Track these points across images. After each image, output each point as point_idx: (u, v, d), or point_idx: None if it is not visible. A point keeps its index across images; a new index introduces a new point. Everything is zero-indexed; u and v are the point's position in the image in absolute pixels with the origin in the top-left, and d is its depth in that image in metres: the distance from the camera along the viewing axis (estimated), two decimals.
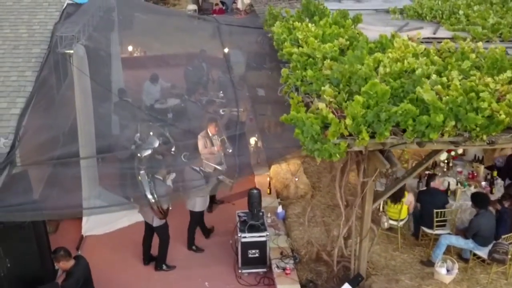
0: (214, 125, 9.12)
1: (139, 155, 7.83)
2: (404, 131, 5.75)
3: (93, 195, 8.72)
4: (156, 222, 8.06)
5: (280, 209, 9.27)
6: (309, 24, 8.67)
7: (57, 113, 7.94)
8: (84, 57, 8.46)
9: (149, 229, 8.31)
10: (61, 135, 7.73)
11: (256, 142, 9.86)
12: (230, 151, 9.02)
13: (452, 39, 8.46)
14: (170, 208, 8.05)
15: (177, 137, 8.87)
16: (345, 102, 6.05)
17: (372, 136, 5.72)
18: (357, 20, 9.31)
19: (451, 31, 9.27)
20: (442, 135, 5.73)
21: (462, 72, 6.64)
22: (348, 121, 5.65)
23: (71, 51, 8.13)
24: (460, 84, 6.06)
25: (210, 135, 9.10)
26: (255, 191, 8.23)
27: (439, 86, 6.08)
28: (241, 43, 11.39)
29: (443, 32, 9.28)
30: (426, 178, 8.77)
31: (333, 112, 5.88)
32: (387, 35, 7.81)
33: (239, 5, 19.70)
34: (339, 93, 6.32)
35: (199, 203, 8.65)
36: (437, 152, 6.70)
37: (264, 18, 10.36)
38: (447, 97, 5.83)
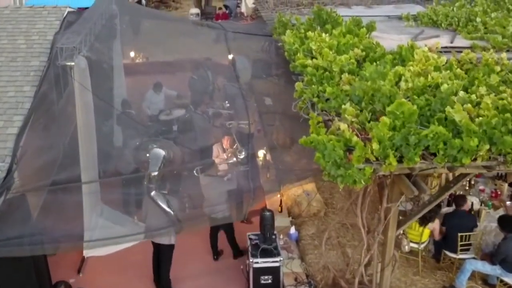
0: (227, 138, 8.88)
1: (149, 172, 7.40)
2: (433, 154, 5.31)
3: (96, 214, 8.29)
4: (174, 239, 7.74)
5: (293, 230, 8.83)
6: (323, 34, 8.23)
7: (57, 131, 7.45)
8: (86, 69, 7.99)
9: (157, 249, 7.97)
10: (61, 155, 7.25)
11: (264, 155, 9.42)
12: (242, 156, 8.62)
13: (471, 48, 8.04)
14: None
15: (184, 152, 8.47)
16: (368, 122, 5.61)
17: (399, 160, 5.28)
18: (371, 28, 8.88)
19: (469, 39, 8.87)
20: (475, 159, 5.30)
21: (490, 88, 6.20)
22: (375, 145, 5.19)
23: (72, 63, 7.65)
24: (491, 103, 5.63)
25: (224, 147, 8.84)
26: (267, 213, 7.78)
27: (469, 105, 5.64)
28: (247, 49, 10.98)
29: (460, 41, 8.89)
30: (449, 198, 8.31)
31: (356, 134, 5.44)
32: (406, 46, 7.36)
33: (243, 9, 19.28)
34: (361, 111, 5.88)
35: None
36: (465, 175, 6.25)
37: (273, 26, 9.94)
38: (480, 118, 5.38)
